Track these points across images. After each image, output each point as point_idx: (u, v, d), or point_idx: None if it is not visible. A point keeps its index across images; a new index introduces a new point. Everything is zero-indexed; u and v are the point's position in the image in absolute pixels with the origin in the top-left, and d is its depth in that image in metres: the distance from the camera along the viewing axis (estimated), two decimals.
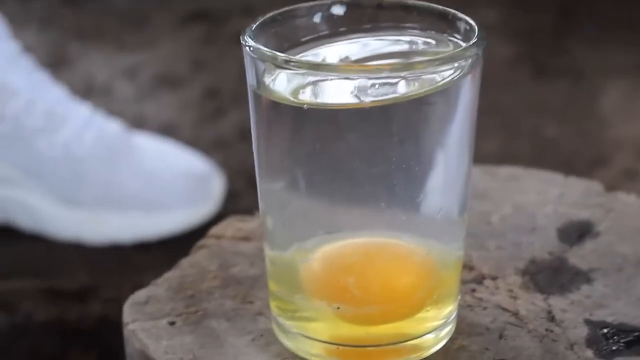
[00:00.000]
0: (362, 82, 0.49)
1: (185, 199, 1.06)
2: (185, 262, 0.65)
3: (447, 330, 0.57)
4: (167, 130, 1.33)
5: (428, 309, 0.55)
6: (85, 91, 1.45)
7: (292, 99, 0.50)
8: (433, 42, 0.54)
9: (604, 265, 0.64)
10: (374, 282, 0.55)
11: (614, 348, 0.57)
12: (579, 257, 0.65)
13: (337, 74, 0.49)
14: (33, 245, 1.08)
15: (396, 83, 0.49)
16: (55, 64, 1.52)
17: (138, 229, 1.03)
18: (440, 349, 0.57)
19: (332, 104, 0.50)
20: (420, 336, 0.56)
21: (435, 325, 0.56)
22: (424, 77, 0.50)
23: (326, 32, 0.55)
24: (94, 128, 1.06)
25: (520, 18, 1.64)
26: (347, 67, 0.50)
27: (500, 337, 0.58)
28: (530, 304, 0.61)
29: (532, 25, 1.61)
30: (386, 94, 0.49)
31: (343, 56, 0.55)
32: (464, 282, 0.63)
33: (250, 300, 0.61)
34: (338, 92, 0.50)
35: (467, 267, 0.64)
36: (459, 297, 0.58)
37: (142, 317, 0.60)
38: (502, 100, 1.40)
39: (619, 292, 0.62)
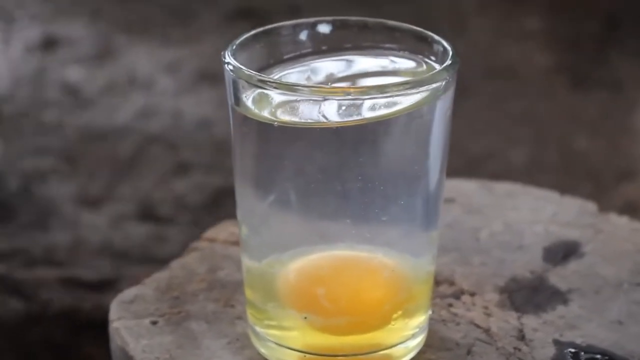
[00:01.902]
0: (330, 103, 0.51)
1: None
2: (176, 263, 0.67)
3: (416, 343, 0.59)
4: (203, 125, 1.35)
5: (395, 321, 0.57)
6: (127, 83, 1.48)
7: (266, 116, 0.52)
8: (410, 62, 0.56)
9: (583, 286, 0.65)
10: (343, 294, 0.56)
11: None
12: (560, 277, 0.66)
13: (307, 96, 0.51)
14: (61, 237, 1.11)
15: (363, 105, 0.51)
16: (101, 55, 1.56)
17: None
18: None
19: (300, 123, 0.51)
20: (389, 347, 0.58)
21: (404, 337, 0.58)
22: (393, 99, 0.51)
23: (309, 50, 0.57)
24: None
25: (564, 27, 1.64)
26: (316, 90, 0.52)
27: (468, 353, 0.60)
28: (503, 321, 0.62)
29: (575, 35, 1.61)
30: (354, 115, 0.51)
31: (328, 73, 0.57)
32: (442, 296, 0.64)
33: (232, 304, 0.63)
34: (311, 112, 0.52)
35: (448, 281, 0.66)
36: (430, 311, 0.60)
37: (127, 315, 0.63)
38: (537, 109, 1.41)
39: (593, 314, 0.63)
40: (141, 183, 1.26)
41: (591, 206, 0.74)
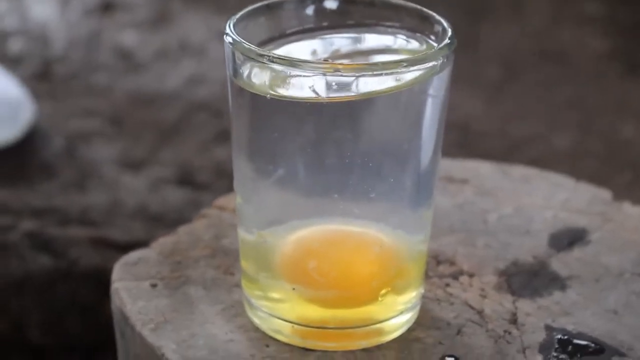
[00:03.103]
0: (320, 78, 0.51)
1: None
2: (183, 229, 0.69)
3: (405, 320, 0.59)
4: None
5: (384, 297, 0.57)
6: (179, 50, 1.50)
7: (260, 88, 0.53)
8: (412, 41, 0.56)
9: (583, 274, 0.65)
10: (332, 268, 0.57)
11: (561, 357, 0.58)
12: (562, 263, 0.66)
13: (300, 71, 0.51)
14: (99, 198, 1.13)
15: (354, 82, 0.51)
16: (156, 21, 1.57)
17: None
18: (396, 338, 0.59)
19: (291, 96, 0.52)
20: (378, 322, 0.58)
21: (393, 313, 0.58)
22: (385, 77, 0.52)
23: (311, 26, 0.57)
24: None
25: (624, 14, 1.62)
26: (308, 65, 0.52)
27: (458, 332, 0.60)
28: (498, 304, 0.62)
29: (634, 23, 1.59)
30: (344, 92, 0.52)
31: (328, 49, 0.57)
32: (440, 276, 0.65)
33: (232, 272, 0.64)
34: (303, 86, 0.52)
35: (449, 261, 0.66)
36: (422, 289, 0.60)
37: (128, 277, 0.64)
38: (586, 94, 1.39)
39: (589, 302, 0.63)
40: (183, 149, 1.27)
41: (605, 194, 0.73)
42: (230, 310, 0.61)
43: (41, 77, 1.43)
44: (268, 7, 0.57)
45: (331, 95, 0.52)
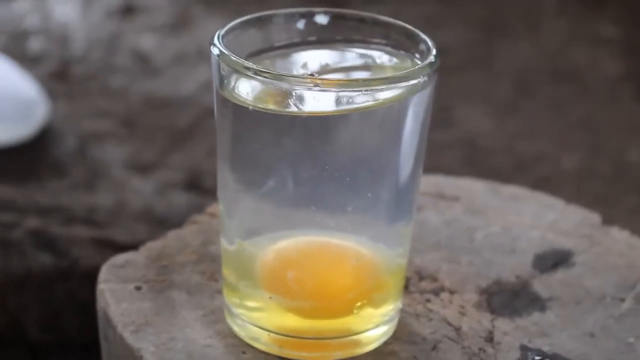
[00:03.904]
0: (301, 92, 0.52)
1: (7, 117, 1.20)
2: (172, 234, 0.70)
3: (381, 333, 0.60)
4: None
5: (360, 309, 0.58)
6: (197, 55, 1.51)
7: (242, 99, 0.54)
8: (396, 58, 0.57)
9: (564, 296, 0.66)
10: (308, 279, 0.58)
11: None
12: (544, 284, 0.67)
13: (280, 84, 0.53)
14: (105, 199, 1.14)
15: (335, 97, 0.52)
16: (176, 25, 1.59)
17: None
18: (372, 350, 0.60)
19: (272, 109, 0.53)
20: (353, 335, 0.59)
21: (369, 326, 0.59)
22: (365, 94, 0.53)
23: (300, 40, 0.58)
24: None
25: (639, 36, 1.62)
26: (292, 79, 0.53)
27: (433, 348, 0.61)
28: (476, 322, 0.63)
29: None
30: (325, 106, 0.52)
31: (315, 63, 0.58)
32: (422, 291, 0.65)
33: (216, 278, 0.65)
34: (284, 99, 0.53)
35: (432, 277, 0.67)
36: (399, 303, 0.61)
37: (114, 279, 0.65)
38: (597, 116, 1.40)
39: (567, 324, 0.63)
40: (193, 153, 1.29)
41: (595, 218, 0.74)
42: (211, 316, 0.62)
43: (59, 76, 1.44)
44: (259, 20, 0.58)
45: (311, 109, 0.53)
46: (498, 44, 1.55)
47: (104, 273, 0.66)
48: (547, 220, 0.73)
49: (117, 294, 0.64)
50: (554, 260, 0.69)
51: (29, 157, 1.22)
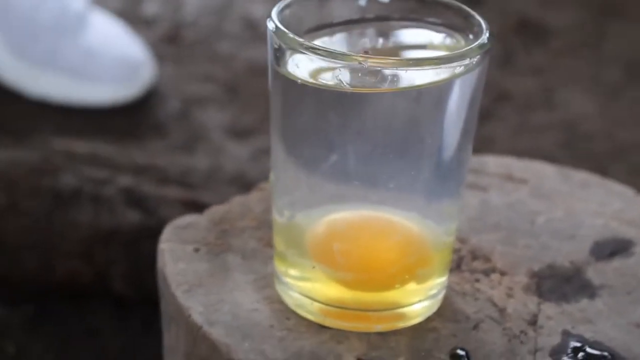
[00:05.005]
0: (350, 69, 0.54)
1: (115, 77, 1.23)
2: (237, 199, 0.72)
3: (424, 309, 0.61)
4: None
5: (403, 284, 0.59)
6: None
7: (291, 73, 0.55)
8: (449, 38, 0.58)
9: (617, 284, 0.66)
10: (354, 251, 0.59)
11: None
12: (598, 272, 0.67)
13: (328, 60, 0.54)
14: (201, 162, 1.17)
15: (380, 75, 0.53)
16: None
17: (67, 91, 1.22)
18: (413, 325, 0.61)
19: (319, 84, 0.54)
20: (395, 308, 0.60)
21: (411, 301, 0.60)
22: (410, 73, 0.54)
23: (357, 17, 0.59)
24: (59, 1, 1.24)
25: None
26: (339, 55, 0.54)
27: (474, 327, 0.61)
28: (522, 304, 0.63)
29: None
30: (370, 83, 0.54)
31: (368, 41, 0.59)
32: (472, 271, 0.66)
33: (272, 244, 0.67)
34: (331, 75, 0.55)
35: (485, 258, 0.67)
36: (445, 280, 0.62)
37: (175, 239, 0.67)
38: None
39: (614, 313, 0.63)
40: None
41: None
42: (261, 281, 0.64)
43: (169, 40, 1.48)
44: None
45: (357, 86, 0.54)
46: (610, 26, 1.53)
47: (166, 233, 0.68)
48: (612, 209, 0.73)
49: (176, 254, 0.66)
50: (613, 248, 0.69)
51: (132, 117, 1.26)
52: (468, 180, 0.74)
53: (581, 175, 0.77)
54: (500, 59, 1.43)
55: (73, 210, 1.05)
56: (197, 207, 1.09)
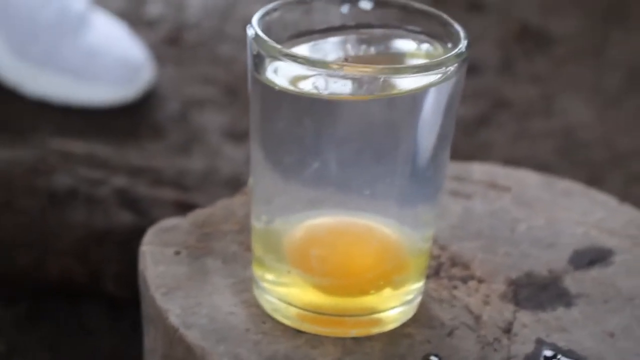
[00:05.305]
0: (326, 76, 0.54)
1: (115, 78, 1.24)
2: (221, 203, 0.72)
3: (398, 314, 0.61)
4: None
5: (377, 290, 0.60)
6: None
7: (269, 79, 0.56)
8: (429, 47, 0.58)
9: (593, 293, 0.66)
10: (331, 257, 0.60)
11: None
12: (576, 281, 0.67)
13: (306, 68, 0.55)
14: (197, 164, 1.18)
15: (356, 82, 0.54)
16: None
17: (67, 91, 1.23)
18: (388, 331, 0.61)
19: (295, 91, 0.55)
20: (370, 314, 0.61)
21: (386, 307, 0.61)
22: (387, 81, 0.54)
23: (338, 24, 0.60)
24: (60, 1, 1.25)
25: None
26: (315, 63, 0.55)
27: (449, 334, 0.62)
28: (498, 312, 0.64)
29: None
30: (345, 91, 0.54)
31: (358, 48, 0.60)
32: (451, 278, 0.67)
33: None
34: (307, 82, 0.55)
35: (464, 265, 0.68)
36: (420, 287, 0.62)
37: (157, 242, 0.68)
38: None
39: (589, 322, 0.64)
40: None
41: None
42: (240, 285, 0.65)
43: (171, 42, 1.49)
44: (302, 2, 0.60)
45: (332, 93, 0.54)
46: (613, 33, 1.53)
47: (149, 236, 0.69)
48: (594, 218, 0.73)
49: (156, 257, 0.67)
50: (592, 257, 0.69)
51: (130, 118, 1.26)
52: (452, 188, 0.75)
53: (565, 184, 0.77)
54: (500, 66, 1.43)
55: (68, 209, 1.06)
56: (191, 208, 1.10)
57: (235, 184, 1.19)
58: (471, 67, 1.44)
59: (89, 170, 1.11)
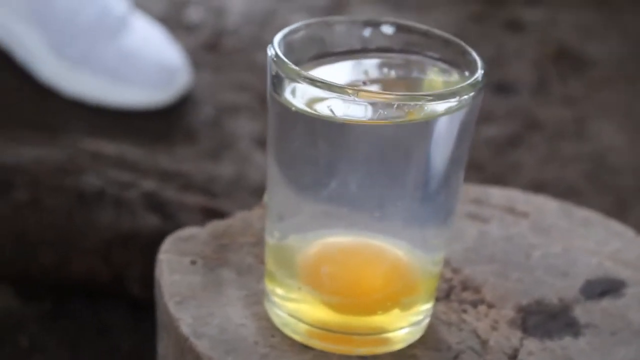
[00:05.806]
0: (341, 100, 0.55)
1: (151, 81, 1.25)
2: (240, 215, 0.73)
3: (406, 335, 0.62)
4: None
5: (386, 310, 0.61)
6: None
7: (286, 99, 0.57)
8: (446, 74, 0.59)
9: (602, 324, 0.66)
10: (341, 275, 0.61)
11: None
12: (586, 311, 0.67)
13: (321, 91, 0.56)
14: (227, 170, 1.19)
15: (370, 107, 0.55)
16: (330, 7, 1.63)
17: (102, 92, 1.24)
18: (394, 351, 0.62)
19: (311, 112, 0.56)
20: (378, 334, 0.62)
21: (394, 327, 0.62)
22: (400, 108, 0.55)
23: (359, 48, 0.61)
24: (102, 3, 1.27)
25: None
26: (332, 86, 0.56)
27: (455, 358, 0.63)
28: (505, 338, 0.64)
29: None
30: (360, 115, 0.55)
31: (369, 73, 0.61)
32: (461, 301, 0.67)
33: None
34: (324, 105, 0.56)
35: (475, 289, 0.68)
36: (429, 309, 0.63)
37: (174, 251, 0.69)
38: None
39: (596, 353, 0.64)
40: None
41: None
42: (253, 297, 0.66)
43: (209, 47, 1.50)
44: (324, 24, 0.61)
45: (346, 116, 0.55)
46: None
47: (167, 244, 0.70)
48: (610, 248, 0.73)
49: (172, 265, 0.68)
50: (603, 288, 0.70)
51: (164, 122, 1.28)
52: (469, 211, 0.76)
53: (583, 213, 0.77)
54: (534, 87, 1.43)
55: (95, 210, 1.07)
56: (217, 215, 1.11)
57: (263, 193, 1.20)
58: (506, 86, 1.44)
59: (118, 172, 1.13)
